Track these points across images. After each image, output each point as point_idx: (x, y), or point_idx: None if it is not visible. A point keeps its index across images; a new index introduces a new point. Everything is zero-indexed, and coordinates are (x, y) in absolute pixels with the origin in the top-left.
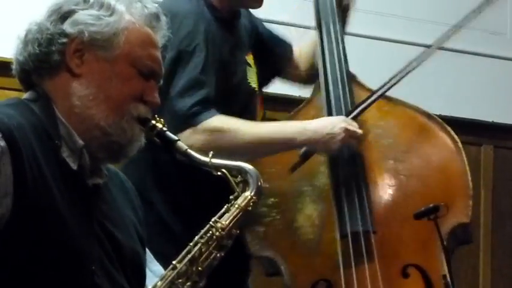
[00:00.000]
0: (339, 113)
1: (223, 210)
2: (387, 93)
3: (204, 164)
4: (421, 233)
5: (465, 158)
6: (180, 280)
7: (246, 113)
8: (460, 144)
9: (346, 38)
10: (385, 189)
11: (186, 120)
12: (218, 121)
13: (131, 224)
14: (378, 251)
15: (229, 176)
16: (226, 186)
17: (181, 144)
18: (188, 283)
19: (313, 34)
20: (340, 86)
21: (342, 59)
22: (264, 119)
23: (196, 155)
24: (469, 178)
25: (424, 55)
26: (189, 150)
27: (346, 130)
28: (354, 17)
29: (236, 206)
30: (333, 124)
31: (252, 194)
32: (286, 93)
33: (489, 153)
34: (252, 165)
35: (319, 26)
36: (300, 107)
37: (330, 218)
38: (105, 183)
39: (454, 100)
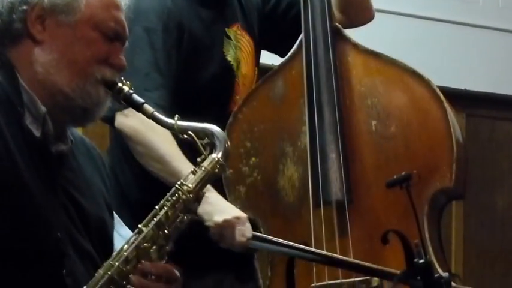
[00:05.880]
0: (316, 77)
1: (189, 172)
2: (376, 50)
3: (170, 126)
4: (402, 199)
5: (451, 123)
6: (146, 244)
7: (218, 86)
8: (449, 110)
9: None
10: (366, 153)
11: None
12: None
13: (98, 192)
14: (357, 218)
15: (195, 138)
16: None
17: (148, 107)
18: (154, 247)
19: None
20: (322, 45)
21: (326, 15)
22: None
23: (163, 118)
24: (454, 142)
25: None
26: (155, 113)
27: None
28: None
29: (203, 168)
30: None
31: (219, 156)
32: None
33: (461, 122)
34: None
35: None
36: (284, 62)
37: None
38: (70, 150)
39: (426, 68)
